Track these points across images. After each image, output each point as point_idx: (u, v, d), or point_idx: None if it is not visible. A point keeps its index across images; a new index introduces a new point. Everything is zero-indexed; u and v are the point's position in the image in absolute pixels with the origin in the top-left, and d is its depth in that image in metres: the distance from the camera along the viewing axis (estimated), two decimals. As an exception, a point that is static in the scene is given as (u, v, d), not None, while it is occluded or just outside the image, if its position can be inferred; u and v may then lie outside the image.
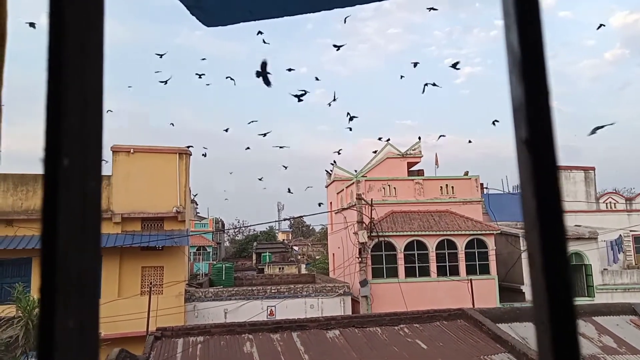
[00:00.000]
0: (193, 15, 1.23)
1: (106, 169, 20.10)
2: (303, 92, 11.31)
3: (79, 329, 0.38)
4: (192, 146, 21.28)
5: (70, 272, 0.38)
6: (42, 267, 0.38)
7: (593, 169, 28.96)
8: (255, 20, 1.27)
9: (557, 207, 0.46)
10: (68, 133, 0.39)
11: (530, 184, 0.45)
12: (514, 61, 0.46)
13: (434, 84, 15.98)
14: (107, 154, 20.14)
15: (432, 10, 13.04)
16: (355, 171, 27.19)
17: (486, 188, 26.97)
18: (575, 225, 24.80)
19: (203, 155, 18.00)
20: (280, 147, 17.40)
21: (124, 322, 16.28)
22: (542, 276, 0.45)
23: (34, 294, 14.13)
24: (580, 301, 19.17)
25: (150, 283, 18.70)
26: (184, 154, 20.71)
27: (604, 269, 22.97)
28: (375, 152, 27.46)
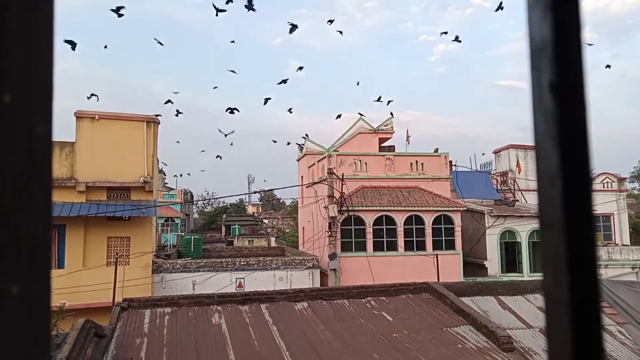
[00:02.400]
0: None
1: (70, 136, 19.38)
2: (293, 26, 10.60)
3: (24, 297, 0.34)
4: (160, 115, 20.71)
5: (14, 234, 0.35)
6: None
7: (536, 164, 29.75)
8: None
9: (585, 161, 0.41)
10: (10, 66, 0.34)
11: (555, 134, 0.41)
12: None
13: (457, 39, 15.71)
14: (70, 119, 19.39)
15: None
16: (327, 146, 27.14)
17: (454, 165, 27.49)
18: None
19: (176, 115, 17.22)
20: (231, 112, 16.51)
21: (90, 292, 16.02)
22: (564, 244, 0.41)
23: None
24: (540, 277, 19.99)
25: (117, 254, 18.39)
26: (152, 122, 20.13)
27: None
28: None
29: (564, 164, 0.41)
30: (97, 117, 19.37)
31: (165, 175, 47.60)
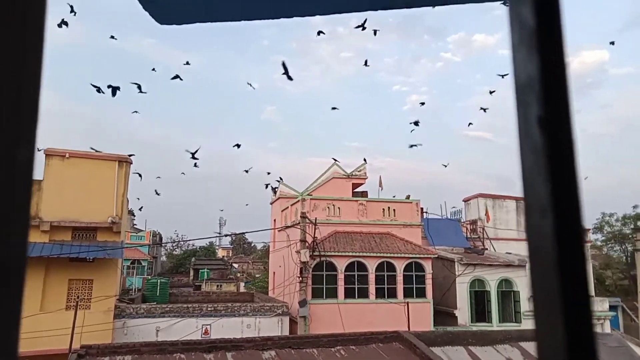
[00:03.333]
0: (146, 10, 1.17)
1: (37, 173, 18.90)
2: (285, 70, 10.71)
3: None
4: (133, 154, 20.51)
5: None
6: None
7: (524, 199, 30.59)
8: (211, 21, 1.22)
9: (576, 194, 0.41)
10: None
11: (544, 167, 0.41)
12: (525, 33, 0.42)
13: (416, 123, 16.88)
14: (39, 157, 18.96)
15: (360, 29, 13.35)
16: (301, 190, 27.23)
17: (426, 212, 27.88)
18: (507, 253, 26.04)
19: (195, 165, 17.07)
20: (193, 156, 16.45)
21: (46, 338, 15.17)
22: (556, 275, 0.40)
23: None
24: (508, 326, 20.03)
25: (77, 297, 17.61)
26: (124, 161, 19.89)
27: (531, 296, 24.14)
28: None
29: (554, 197, 0.42)
30: (67, 156, 19.04)
31: (134, 216, 46.55)
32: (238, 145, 17.72)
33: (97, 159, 19.52)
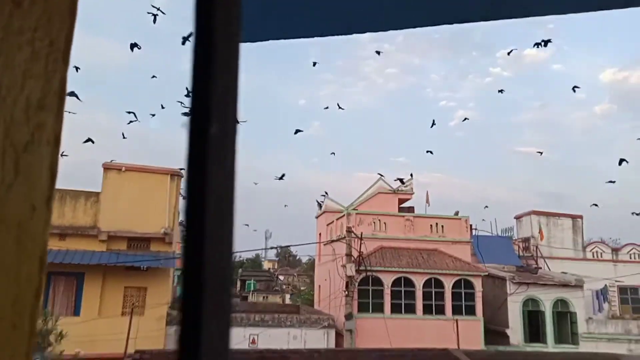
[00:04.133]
0: None
1: (96, 186, 19.97)
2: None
3: (218, 334, 0.36)
4: (183, 169, 21.22)
5: (213, 266, 0.37)
6: (184, 257, 0.36)
7: (581, 217, 29.25)
8: (286, 38, 1.32)
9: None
10: (215, 97, 0.39)
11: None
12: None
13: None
14: (98, 171, 20.06)
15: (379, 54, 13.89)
16: (347, 204, 27.23)
17: (475, 229, 27.09)
18: (562, 272, 24.86)
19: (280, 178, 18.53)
20: (280, 178, 17.89)
21: (103, 342, 15.85)
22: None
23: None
24: (565, 348, 19.05)
25: (132, 304, 18.32)
26: (177, 175, 20.65)
27: (589, 318, 22.92)
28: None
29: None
30: (123, 169, 19.99)
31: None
32: (282, 177, 18.49)
33: (151, 172, 20.37)
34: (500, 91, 18.05)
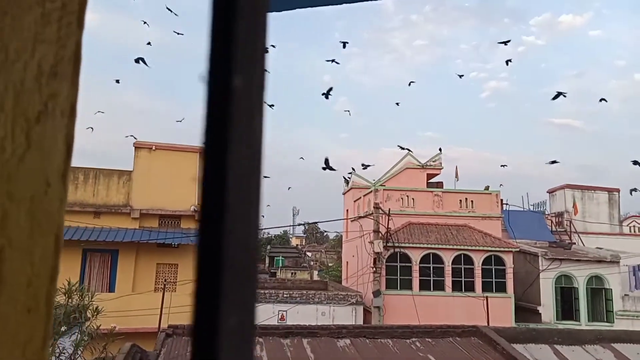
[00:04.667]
0: None
1: (128, 165, 20.38)
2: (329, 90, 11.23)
3: (238, 327, 0.32)
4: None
5: (237, 249, 0.32)
6: (201, 231, 0.32)
7: (618, 190, 28.29)
8: (320, 5, 1.25)
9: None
10: (239, 39, 0.34)
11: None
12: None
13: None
14: (129, 150, 20.43)
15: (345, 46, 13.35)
16: (374, 180, 27.06)
17: (506, 204, 26.57)
18: (597, 248, 24.23)
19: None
20: (330, 169, 16.26)
21: (137, 317, 16.40)
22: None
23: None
24: (599, 326, 18.69)
25: (165, 280, 18.83)
26: (206, 153, 20.84)
27: (625, 295, 22.35)
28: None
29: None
30: (153, 148, 20.32)
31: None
32: (327, 165, 16.32)
33: (181, 150, 20.64)
34: (508, 61, 16.91)
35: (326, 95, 14.38)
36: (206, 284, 0.33)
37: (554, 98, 13.33)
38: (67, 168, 0.63)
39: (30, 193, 0.58)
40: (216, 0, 0.35)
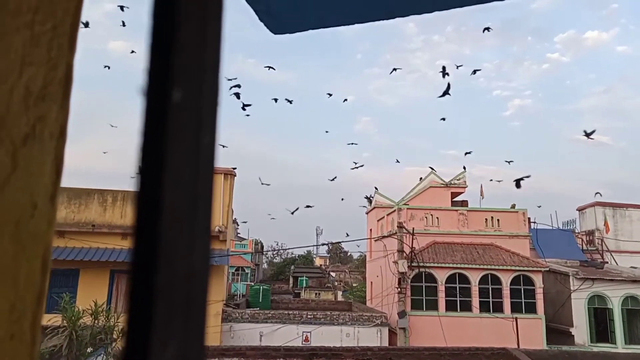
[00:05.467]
0: (262, 21, 1.22)
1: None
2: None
3: (179, 357, 0.28)
4: (236, 168, 21.72)
5: (175, 271, 0.28)
6: (133, 255, 0.28)
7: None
8: (324, 27, 1.24)
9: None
10: (182, 60, 0.29)
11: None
12: None
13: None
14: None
15: (485, 31, 13.17)
16: (398, 200, 26.83)
17: (534, 222, 25.92)
18: (632, 267, 23.31)
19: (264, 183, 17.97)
20: (332, 180, 17.33)
21: (162, 338, 16.46)
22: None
23: (80, 304, 14.50)
24: (637, 349, 17.85)
25: (189, 300, 18.91)
26: (229, 174, 21.12)
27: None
28: (420, 178, 27.06)
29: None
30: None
31: (238, 225, 49.13)
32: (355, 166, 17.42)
33: (206, 171, 20.91)
34: (475, 72, 16.60)
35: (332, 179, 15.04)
36: (137, 310, 0.28)
37: (587, 135, 13.07)
38: (56, 190, 0.63)
39: (16, 216, 0.58)
40: (157, 5, 0.31)
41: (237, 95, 15.26)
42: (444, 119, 31.87)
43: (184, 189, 0.30)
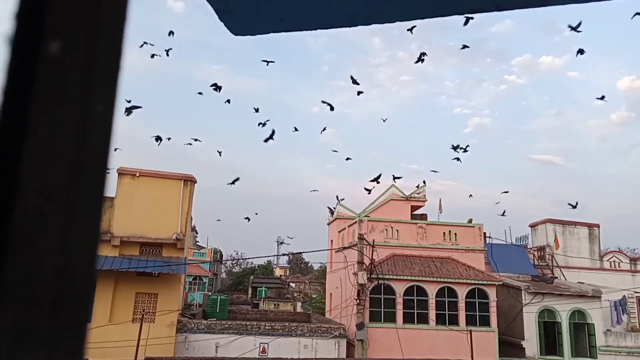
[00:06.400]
0: (222, 21, 1.20)
1: (110, 191, 20.07)
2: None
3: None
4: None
5: (41, 269, 0.23)
6: None
7: (597, 226, 28.70)
8: (286, 31, 1.23)
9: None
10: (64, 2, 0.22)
11: None
12: None
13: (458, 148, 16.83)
14: (112, 175, 20.16)
15: (420, 60, 13.83)
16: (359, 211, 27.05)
17: (489, 237, 26.72)
18: (579, 282, 24.36)
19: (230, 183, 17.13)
20: (233, 183, 16.47)
21: (113, 349, 15.84)
22: None
23: None
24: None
25: (143, 310, 18.31)
26: (189, 180, 20.70)
27: (607, 330, 22.37)
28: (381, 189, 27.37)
29: None
30: (137, 174, 20.08)
31: (197, 233, 48.14)
32: (234, 181, 16.96)
33: (164, 177, 20.44)
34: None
35: (268, 139, 15.05)
36: None
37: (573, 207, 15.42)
38: None
39: None
40: None
41: (218, 87, 14.87)
42: (384, 120, 32.37)
43: (56, 168, 0.22)
